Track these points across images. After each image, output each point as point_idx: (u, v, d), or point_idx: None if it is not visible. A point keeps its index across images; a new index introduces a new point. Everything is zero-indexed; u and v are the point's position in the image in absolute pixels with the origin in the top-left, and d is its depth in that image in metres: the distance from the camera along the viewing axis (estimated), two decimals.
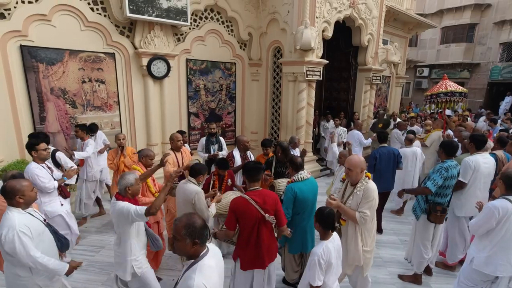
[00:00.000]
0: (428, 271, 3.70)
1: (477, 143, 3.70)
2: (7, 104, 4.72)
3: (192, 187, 2.91)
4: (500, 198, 2.57)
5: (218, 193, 3.30)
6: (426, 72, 19.55)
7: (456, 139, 5.51)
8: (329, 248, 2.20)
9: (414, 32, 12.93)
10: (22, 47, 4.71)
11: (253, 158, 4.52)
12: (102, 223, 4.94)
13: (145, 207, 2.41)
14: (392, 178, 4.73)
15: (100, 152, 5.20)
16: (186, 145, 5.33)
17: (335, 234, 2.32)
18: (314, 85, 7.01)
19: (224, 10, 6.97)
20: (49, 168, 3.51)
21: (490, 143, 4.58)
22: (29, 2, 4.71)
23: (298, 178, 2.99)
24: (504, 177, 2.56)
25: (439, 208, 3.23)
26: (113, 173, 4.90)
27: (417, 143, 5.69)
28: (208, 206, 3.00)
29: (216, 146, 5.21)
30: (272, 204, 2.47)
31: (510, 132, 7.10)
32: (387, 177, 4.62)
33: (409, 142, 5.37)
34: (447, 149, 3.34)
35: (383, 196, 4.56)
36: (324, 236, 2.26)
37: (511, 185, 2.53)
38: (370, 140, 7.04)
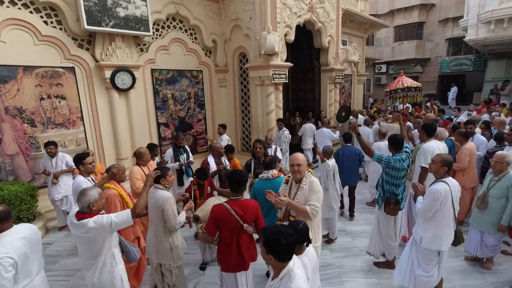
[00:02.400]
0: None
1: (427, 130, 4.06)
2: None
3: (160, 194, 2.82)
4: (438, 182, 2.83)
5: (190, 201, 3.27)
6: (384, 68, 20.78)
7: (415, 130, 5.97)
8: (306, 265, 2.09)
9: (370, 31, 13.73)
10: None
11: (227, 164, 4.57)
12: (74, 245, 4.69)
13: (127, 211, 2.37)
14: (354, 174, 5.23)
15: (56, 174, 4.81)
16: (156, 158, 5.22)
17: (310, 247, 2.24)
18: (281, 87, 7.20)
19: (186, 19, 6.96)
20: (93, 181, 3.75)
21: (446, 133, 4.99)
22: None
23: (261, 176, 3.27)
24: (447, 163, 2.82)
25: (393, 200, 3.42)
26: None
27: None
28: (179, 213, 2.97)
29: (185, 155, 5.20)
30: (252, 213, 2.52)
31: (455, 120, 7.80)
32: (350, 174, 5.13)
33: (382, 136, 5.66)
34: (392, 143, 3.49)
35: (349, 189, 5.25)
36: (299, 251, 2.13)
37: (450, 169, 2.86)
38: (338, 133, 7.29)
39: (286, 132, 6.98)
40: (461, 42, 16.36)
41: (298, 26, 7.42)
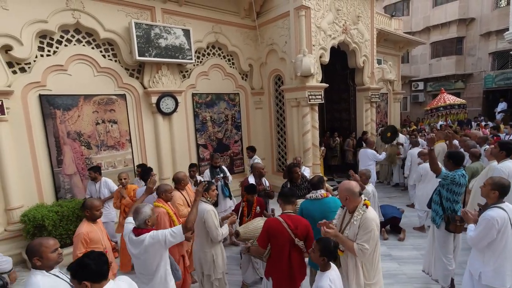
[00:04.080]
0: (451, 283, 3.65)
1: (508, 150, 3.78)
2: (27, 151, 4.93)
3: (202, 206, 3.00)
4: (493, 208, 2.56)
5: (234, 214, 3.35)
6: (421, 86, 20.04)
7: (462, 149, 5.63)
8: (334, 278, 2.14)
9: (405, 49, 13.49)
10: (41, 96, 5.00)
11: (267, 184, 4.61)
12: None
13: (180, 226, 2.49)
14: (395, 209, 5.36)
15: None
16: (198, 176, 5.44)
17: (333, 265, 2.26)
18: (316, 108, 7.25)
19: (225, 46, 7.40)
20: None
21: None
22: (47, 55, 5.08)
23: (309, 196, 3.19)
24: (498, 187, 2.57)
25: (458, 217, 3.23)
26: (119, 213, 4.65)
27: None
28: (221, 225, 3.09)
29: (221, 175, 5.32)
30: (303, 230, 2.56)
31: (510, 138, 7.20)
32: (390, 212, 5.26)
33: (425, 157, 5.40)
34: (455, 159, 3.40)
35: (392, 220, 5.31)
36: (326, 267, 2.18)
37: (504, 194, 2.57)
38: (384, 154, 6.96)
39: (257, 160, 6.27)
40: (508, 55, 15.44)
41: (332, 48, 7.53)
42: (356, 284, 2.47)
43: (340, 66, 9.05)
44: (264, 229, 2.60)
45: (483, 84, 17.85)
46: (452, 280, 3.58)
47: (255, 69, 8.01)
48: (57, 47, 5.18)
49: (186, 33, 6.35)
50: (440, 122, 9.24)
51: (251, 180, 4.55)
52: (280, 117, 7.92)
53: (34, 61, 4.96)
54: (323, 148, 8.03)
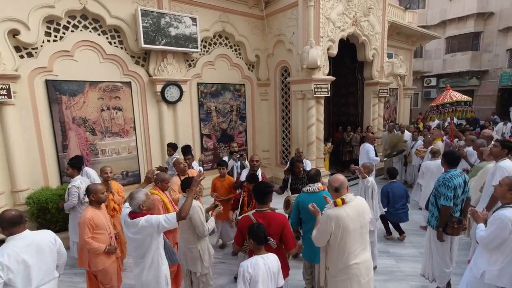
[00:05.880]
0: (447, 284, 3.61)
1: (510, 149, 3.77)
2: (33, 135, 5.02)
3: None
4: (506, 208, 2.51)
5: (220, 206, 3.22)
6: (434, 82, 19.57)
7: (470, 148, 5.49)
8: (258, 264, 2.14)
9: (418, 44, 13.12)
10: (47, 81, 5.06)
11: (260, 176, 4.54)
12: None
13: (174, 213, 2.51)
14: (405, 211, 4.98)
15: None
16: (197, 166, 5.44)
17: (271, 254, 2.28)
18: (322, 101, 7.15)
19: (232, 35, 7.32)
20: None
21: None
22: (54, 41, 5.11)
23: (306, 189, 3.20)
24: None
25: (455, 219, 3.17)
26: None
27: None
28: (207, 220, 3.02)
29: (239, 162, 5.32)
30: (277, 227, 2.51)
31: None
32: (401, 211, 4.90)
33: (433, 154, 5.24)
34: (449, 159, 3.34)
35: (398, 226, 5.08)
36: (256, 251, 2.22)
37: None
38: (378, 159, 6.64)
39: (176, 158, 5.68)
40: None
41: (341, 40, 7.37)
42: (320, 266, 2.65)
43: (349, 59, 8.87)
44: (238, 228, 2.62)
45: (498, 81, 17.31)
46: (449, 280, 3.54)
47: (262, 60, 7.92)
48: (63, 33, 5.21)
49: (193, 21, 6.30)
50: (436, 121, 9.02)
51: (244, 172, 4.53)
52: (286, 109, 7.86)
53: (41, 46, 5.00)
54: (330, 144, 7.93)
